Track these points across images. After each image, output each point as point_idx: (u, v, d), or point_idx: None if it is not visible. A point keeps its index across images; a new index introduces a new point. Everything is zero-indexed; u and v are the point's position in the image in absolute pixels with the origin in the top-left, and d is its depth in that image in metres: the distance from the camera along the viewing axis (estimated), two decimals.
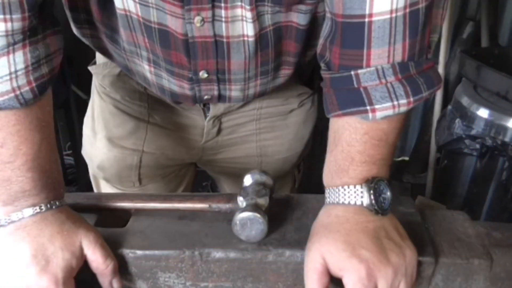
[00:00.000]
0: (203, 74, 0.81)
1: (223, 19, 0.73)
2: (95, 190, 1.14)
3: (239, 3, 0.72)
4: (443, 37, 2.06)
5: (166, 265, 0.70)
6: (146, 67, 0.85)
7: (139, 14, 0.74)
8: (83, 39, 0.89)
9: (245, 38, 0.76)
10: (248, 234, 0.70)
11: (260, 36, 0.76)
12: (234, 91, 0.87)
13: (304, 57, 0.87)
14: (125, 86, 1.00)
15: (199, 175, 1.26)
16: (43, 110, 0.68)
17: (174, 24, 0.74)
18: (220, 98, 0.89)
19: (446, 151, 1.90)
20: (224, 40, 0.76)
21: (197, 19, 0.72)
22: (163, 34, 0.76)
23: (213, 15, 0.73)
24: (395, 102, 0.65)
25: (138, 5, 0.73)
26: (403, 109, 0.66)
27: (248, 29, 0.75)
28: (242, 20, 0.74)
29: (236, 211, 0.70)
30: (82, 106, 2.04)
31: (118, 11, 0.76)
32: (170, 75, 0.83)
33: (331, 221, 0.67)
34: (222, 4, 0.72)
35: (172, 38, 0.76)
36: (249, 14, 0.72)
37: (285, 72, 0.88)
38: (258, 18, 0.73)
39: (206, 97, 0.87)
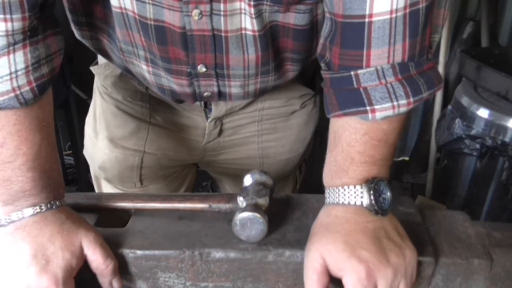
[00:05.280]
0: (201, 68, 0.81)
1: (222, 13, 0.73)
2: (96, 190, 1.14)
3: None
4: (443, 37, 2.06)
5: (166, 265, 0.70)
6: (144, 67, 0.85)
7: (135, 11, 0.74)
8: (83, 41, 0.89)
9: (244, 32, 0.76)
10: (248, 234, 0.70)
11: (259, 35, 0.76)
12: (234, 87, 0.87)
13: (310, 57, 0.87)
14: (127, 87, 1.01)
15: (199, 175, 1.26)
16: (43, 110, 0.68)
17: (172, 18, 0.74)
18: (221, 95, 0.89)
19: (446, 151, 1.90)
20: (222, 34, 0.76)
21: (195, 12, 0.72)
22: (159, 30, 0.75)
23: (211, 9, 0.72)
24: (395, 103, 0.65)
25: (134, 1, 0.73)
26: (403, 109, 0.66)
27: (246, 23, 0.75)
28: (241, 13, 0.74)
29: (236, 211, 0.70)
30: (82, 106, 2.04)
31: (114, 9, 0.76)
32: (168, 73, 0.83)
33: (331, 221, 0.67)
34: None
35: (169, 33, 0.76)
36: (248, 8, 0.72)
37: (288, 68, 0.88)
38: (256, 16, 0.73)
39: (206, 94, 0.87)
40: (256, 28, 0.75)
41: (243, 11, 0.73)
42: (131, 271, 0.71)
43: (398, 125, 0.68)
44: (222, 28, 0.75)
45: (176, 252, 0.70)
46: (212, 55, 0.79)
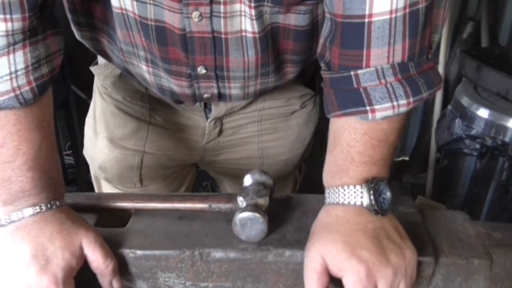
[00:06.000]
0: (201, 70, 0.81)
1: (222, 15, 0.73)
2: (96, 190, 1.14)
3: None
4: (443, 37, 2.06)
5: (166, 265, 0.70)
6: (144, 67, 0.85)
7: (136, 12, 0.74)
8: (83, 41, 0.89)
9: (244, 34, 0.76)
10: (248, 234, 0.70)
11: (259, 37, 0.76)
12: (234, 89, 0.87)
13: (310, 58, 0.87)
14: (127, 87, 1.01)
15: (199, 175, 1.26)
16: (43, 110, 0.68)
17: (172, 19, 0.74)
18: (221, 96, 0.89)
19: (446, 151, 1.90)
20: (222, 36, 0.76)
21: (195, 14, 0.72)
22: (160, 31, 0.75)
23: (211, 11, 0.72)
24: (395, 103, 0.65)
25: (135, 2, 0.73)
26: (403, 109, 0.66)
27: (246, 25, 0.75)
28: (241, 15, 0.74)
29: (236, 211, 0.70)
30: (82, 106, 2.04)
31: (114, 9, 0.76)
32: (168, 74, 0.83)
33: (331, 221, 0.67)
34: (221, 0, 0.72)
35: (169, 34, 0.76)
36: (248, 10, 0.72)
37: (288, 70, 0.88)
38: (257, 18, 0.73)
39: (206, 95, 0.87)
40: (256, 30, 0.75)
41: (243, 13, 0.73)
42: (131, 271, 0.71)
43: (398, 125, 0.68)
44: (222, 30, 0.75)
45: (176, 252, 0.70)
46: (212, 57, 0.79)
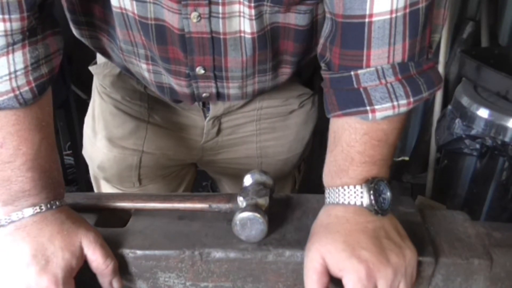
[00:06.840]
0: (199, 70, 0.81)
1: (220, 15, 0.73)
2: (95, 190, 1.14)
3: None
4: (443, 37, 2.06)
5: (166, 265, 0.70)
6: (144, 66, 0.85)
7: (135, 12, 0.74)
8: (82, 39, 0.89)
9: (242, 35, 0.76)
10: (248, 234, 0.70)
11: (258, 36, 0.76)
12: (232, 88, 0.87)
13: (307, 57, 0.87)
14: (126, 86, 1.01)
15: (199, 175, 1.26)
16: (43, 110, 0.68)
17: (171, 19, 0.74)
18: (219, 96, 0.89)
19: (446, 151, 1.90)
20: (221, 37, 0.76)
21: (194, 14, 0.72)
22: (159, 29, 0.76)
23: (210, 11, 0.73)
24: (395, 103, 0.65)
25: (134, 2, 0.73)
26: (403, 109, 0.66)
27: (245, 25, 0.75)
28: (239, 16, 0.74)
29: (236, 211, 0.70)
30: (82, 106, 2.04)
31: (114, 9, 0.76)
32: (167, 73, 0.84)
33: (331, 221, 0.67)
34: (220, 0, 0.72)
35: (169, 33, 0.76)
36: (247, 10, 0.72)
37: (285, 70, 0.88)
38: (256, 18, 0.73)
39: (204, 94, 0.87)
40: (255, 30, 0.75)
41: (241, 14, 0.73)
42: (131, 271, 0.71)
43: (398, 125, 0.68)
44: (221, 31, 0.75)
45: (176, 252, 0.70)
46: (210, 58, 0.79)
